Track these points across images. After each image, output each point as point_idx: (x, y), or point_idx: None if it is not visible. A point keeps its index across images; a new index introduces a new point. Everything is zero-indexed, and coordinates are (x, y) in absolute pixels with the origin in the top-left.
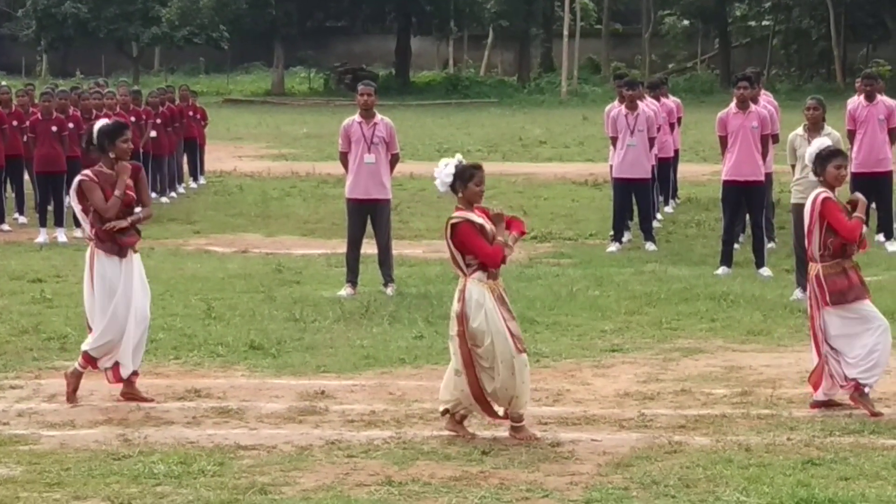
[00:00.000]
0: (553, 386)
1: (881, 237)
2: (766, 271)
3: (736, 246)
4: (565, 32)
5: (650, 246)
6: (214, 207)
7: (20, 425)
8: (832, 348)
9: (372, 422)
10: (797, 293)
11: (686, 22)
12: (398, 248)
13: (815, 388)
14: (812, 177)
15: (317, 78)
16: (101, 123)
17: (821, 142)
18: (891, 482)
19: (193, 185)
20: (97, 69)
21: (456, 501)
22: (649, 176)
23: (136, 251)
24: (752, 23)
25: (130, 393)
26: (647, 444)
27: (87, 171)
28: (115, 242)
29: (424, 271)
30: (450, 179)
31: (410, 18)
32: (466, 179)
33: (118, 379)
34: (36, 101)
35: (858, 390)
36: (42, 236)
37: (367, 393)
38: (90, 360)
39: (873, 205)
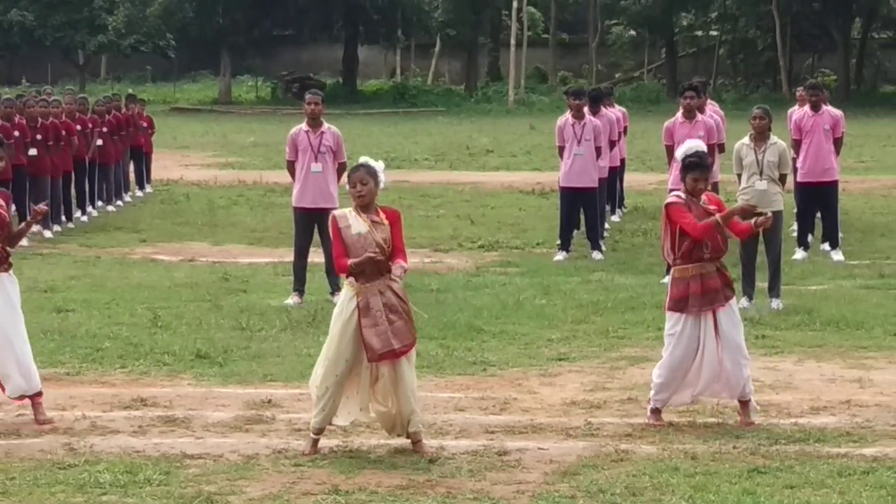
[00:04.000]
0: (500, 395)
1: (826, 246)
2: None
3: None
4: (512, 42)
5: (597, 255)
6: (161, 216)
7: None
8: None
9: None
10: (743, 302)
11: (633, 32)
12: None
13: None
14: (759, 185)
15: (264, 87)
16: None
17: (687, 146)
18: (836, 490)
19: (140, 193)
20: (43, 77)
21: None
22: (596, 185)
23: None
24: (699, 33)
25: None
26: (593, 452)
27: None
28: None
29: None
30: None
31: (358, 27)
32: (348, 181)
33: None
34: None
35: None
36: None
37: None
38: None
39: (818, 214)
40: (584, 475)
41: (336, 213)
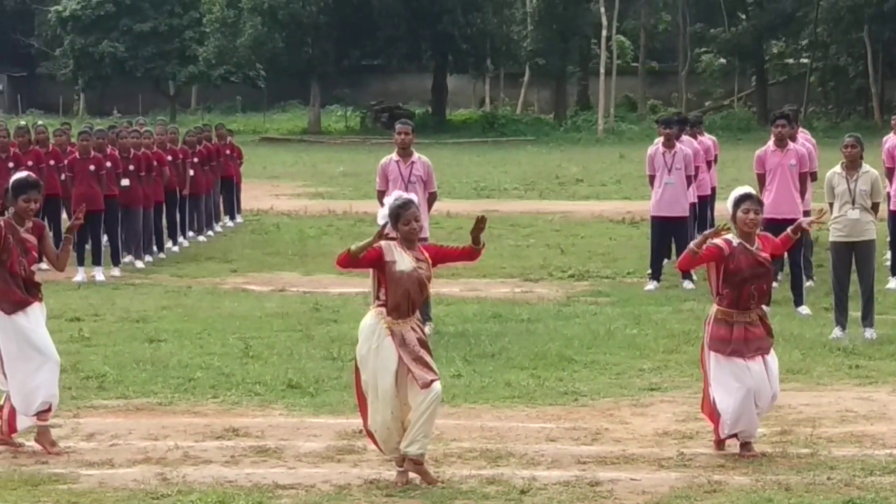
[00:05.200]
0: (591, 425)
1: None
2: (804, 310)
3: (774, 284)
4: (602, 70)
5: (688, 284)
6: (251, 246)
7: (59, 464)
8: (750, 398)
9: None
10: (836, 332)
11: (723, 60)
12: (435, 287)
13: (710, 417)
14: (851, 214)
15: (353, 116)
16: (16, 176)
17: (737, 191)
18: None
19: (230, 223)
20: (134, 108)
21: None
22: (687, 214)
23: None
24: (790, 60)
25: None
26: (686, 483)
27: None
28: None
29: (462, 310)
30: (383, 220)
31: (447, 56)
32: (396, 220)
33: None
34: (73, 140)
35: (719, 444)
36: (80, 275)
37: None
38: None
39: None
40: None
41: (383, 243)
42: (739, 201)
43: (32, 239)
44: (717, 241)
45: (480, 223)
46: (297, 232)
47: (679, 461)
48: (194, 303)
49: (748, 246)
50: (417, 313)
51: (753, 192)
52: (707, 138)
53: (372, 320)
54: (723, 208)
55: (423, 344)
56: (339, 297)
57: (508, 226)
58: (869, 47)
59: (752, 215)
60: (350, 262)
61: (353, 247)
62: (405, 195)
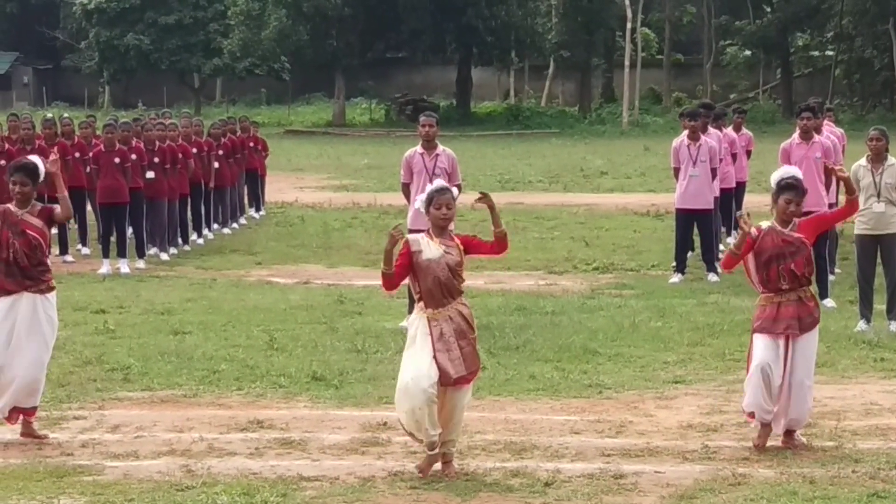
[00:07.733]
0: (616, 417)
1: None
2: (829, 302)
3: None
4: (626, 63)
5: (712, 277)
6: (276, 238)
7: (84, 456)
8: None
9: None
10: (861, 325)
11: (748, 52)
12: None
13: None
14: (876, 207)
15: (378, 109)
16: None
17: (785, 170)
18: None
19: (255, 216)
20: (159, 100)
21: None
22: (712, 206)
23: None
24: (815, 53)
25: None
26: (710, 476)
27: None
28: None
29: (486, 302)
30: (420, 205)
31: (471, 49)
32: (429, 203)
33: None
34: (98, 132)
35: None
36: (105, 267)
37: None
38: None
39: None
40: (700, 499)
41: (410, 237)
42: (783, 189)
43: (35, 222)
44: (752, 230)
45: (484, 199)
46: (321, 224)
47: (703, 454)
48: (219, 295)
49: (780, 228)
50: (461, 298)
51: (798, 181)
52: (738, 133)
53: (415, 315)
54: (748, 200)
55: (461, 335)
56: (364, 289)
57: (533, 218)
58: (894, 39)
59: (792, 207)
60: (390, 280)
61: (382, 267)
62: (445, 183)
